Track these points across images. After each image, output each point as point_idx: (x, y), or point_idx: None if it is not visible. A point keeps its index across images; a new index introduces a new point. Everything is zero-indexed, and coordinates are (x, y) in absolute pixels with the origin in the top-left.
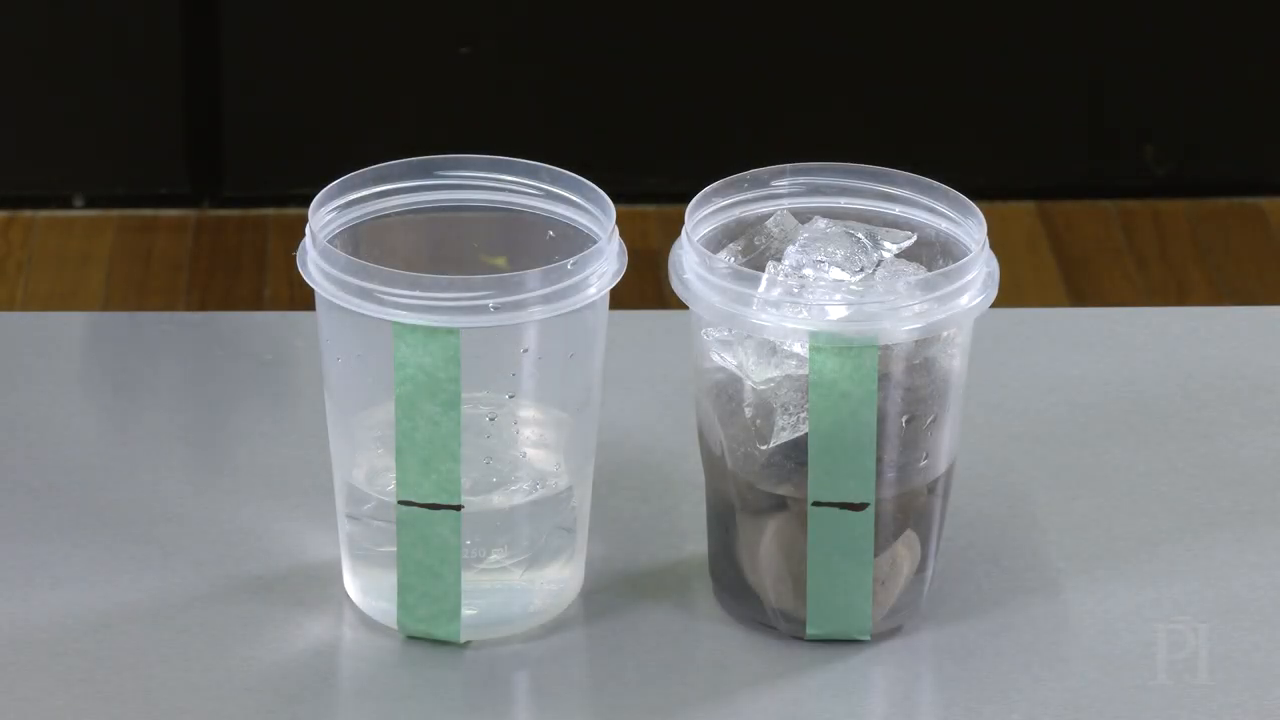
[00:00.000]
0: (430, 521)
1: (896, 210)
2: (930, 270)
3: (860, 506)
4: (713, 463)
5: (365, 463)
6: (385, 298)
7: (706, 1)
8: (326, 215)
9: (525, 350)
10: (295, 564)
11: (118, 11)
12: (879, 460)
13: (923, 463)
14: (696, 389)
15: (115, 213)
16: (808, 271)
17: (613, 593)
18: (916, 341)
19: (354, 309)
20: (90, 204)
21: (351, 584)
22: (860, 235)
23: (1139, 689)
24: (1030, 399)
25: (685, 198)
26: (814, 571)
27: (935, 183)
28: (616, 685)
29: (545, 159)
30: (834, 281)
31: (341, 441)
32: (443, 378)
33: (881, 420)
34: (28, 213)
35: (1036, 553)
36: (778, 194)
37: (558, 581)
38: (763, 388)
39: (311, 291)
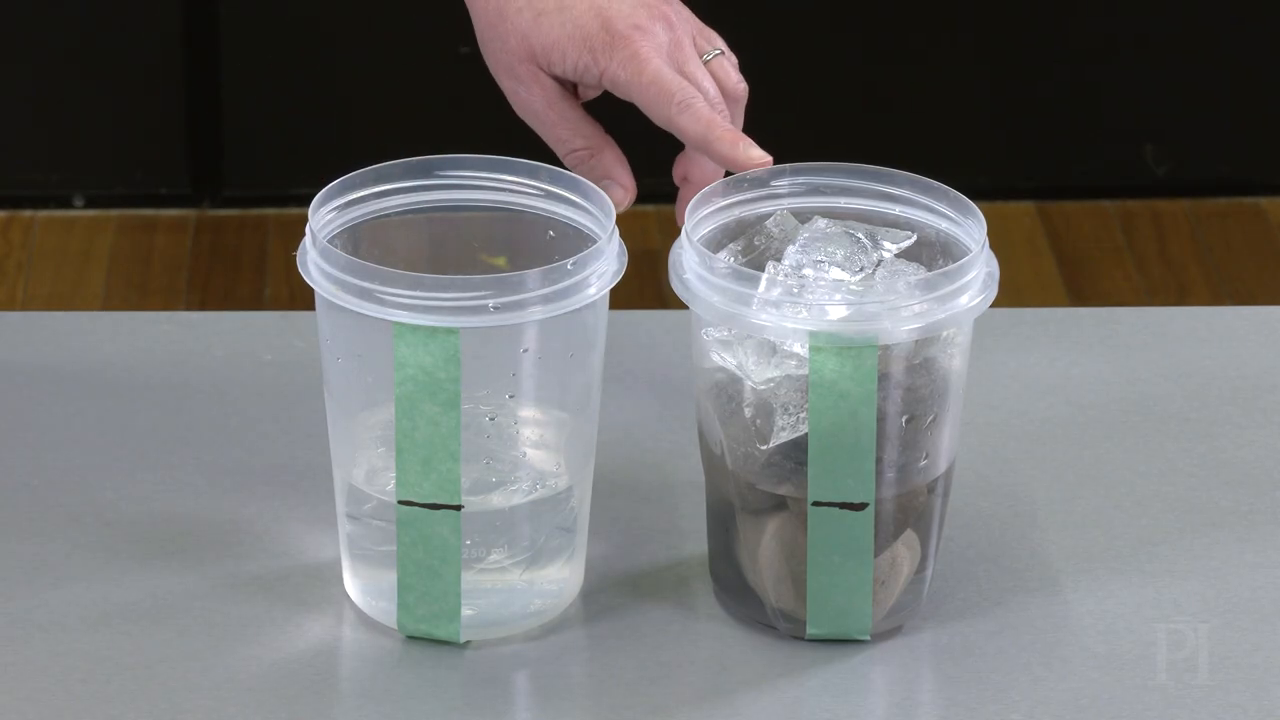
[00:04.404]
0: (430, 521)
1: (896, 210)
2: (930, 270)
3: (860, 506)
4: (713, 463)
5: (365, 463)
6: (385, 298)
7: (705, 2)
8: (326, 215)
9: (525, 350)
10: (295, 564)
11: (118, 12)
12: (879, 460)
13: (923, 463)
14: (696, 389)
15: (115, 213)
16: (808, 271)
17: (613, 593)
18: (916, 341)
19: (354, 309)
20: (90, 204)
21: (351, 584)
22: (860, 235)
23: (1139, 689)
24: (1030, 399)
25: None
26: (814, 571)
27: (935, 183)
28: (616, 685)
29: (545, 159)
30: (834, 281)
31: (341, 441)
32: (443, 378)
33: (881, 420)
34: (28, 213)
35: (1036, 553)
36: (778, 194)
37: (558, 581)
38: (763, 388)
39: (311, 291)
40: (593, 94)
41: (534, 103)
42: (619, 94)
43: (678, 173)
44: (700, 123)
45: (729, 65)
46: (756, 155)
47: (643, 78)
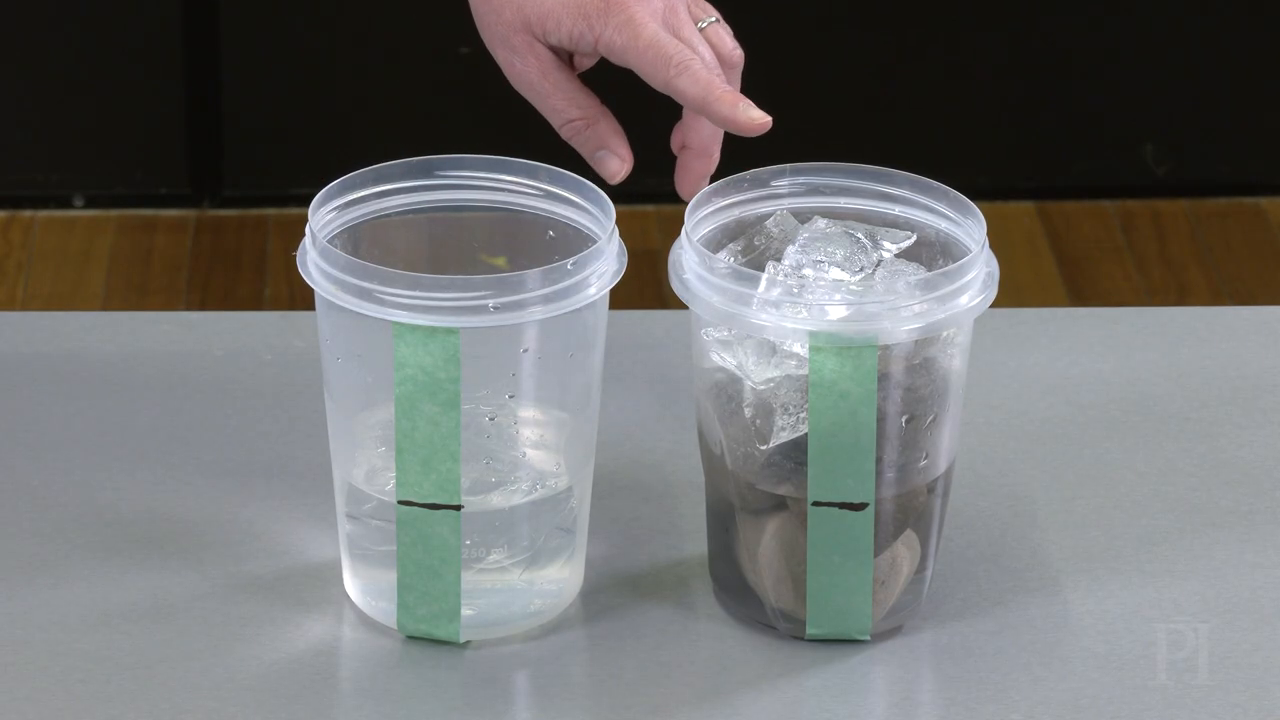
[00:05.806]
0: (430, 521)
1: (896, 210)
2: (930, 270)
3: (860, 506)
4: (713, 463)
5: (365, 463)
6: (385, 298)
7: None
8: (326, 215)
9: (525, 350)
10: (295, 564)
11: (118, 12)
12: (879, 460)
13: (922, 463)
14: (696, 389)
15: (115, 213)
16: (808, 271)
17: (613, 593)
18: (916, 341)
19: (354, 309)
20: (90, 204)
21: (351, 584)
22: (860, 235)
23: (1139, 689)
24: (1030, 399)
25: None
26: (814, 571)
27: (935, 183)
28: (616, 685)
29: (545, 159)
30: (834, 281)
31: (341, 441)
32: (443, 378)
33: (881, 420)
34: (28, 213)
35: (1036, 553)
36: (778, 194)
37: (558, 581)
38: (763, 388)
39: (311, 291)
40: (588, 63)
41: (529, 73)
42: (615, 60)
43: (676, 140)
44: (699, 84)
45: (724, 33)
46: (756, 115)
47: (639, 42)
